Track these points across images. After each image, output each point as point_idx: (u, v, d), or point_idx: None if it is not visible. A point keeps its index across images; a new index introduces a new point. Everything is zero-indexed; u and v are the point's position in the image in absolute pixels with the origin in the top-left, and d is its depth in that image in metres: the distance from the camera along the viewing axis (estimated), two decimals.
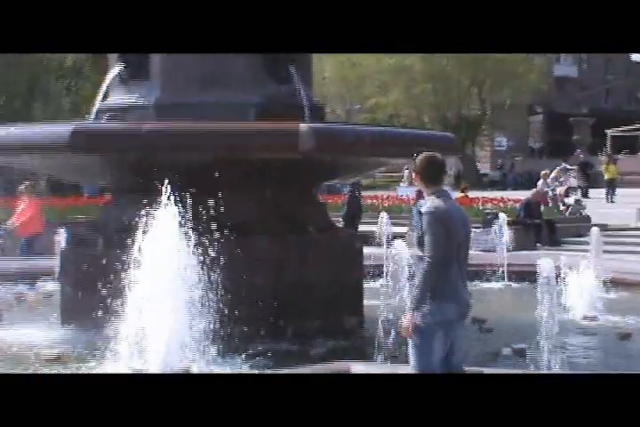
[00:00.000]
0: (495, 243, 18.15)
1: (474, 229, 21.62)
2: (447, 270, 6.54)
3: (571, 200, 29.74)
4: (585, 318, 11.50)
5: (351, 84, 61.42)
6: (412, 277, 6.88)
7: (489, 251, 18.41)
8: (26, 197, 20.14)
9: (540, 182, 30.31)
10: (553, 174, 31.97)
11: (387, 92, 58.26)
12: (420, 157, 6.95)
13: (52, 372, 7.45)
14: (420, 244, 6.61)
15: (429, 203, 6.65)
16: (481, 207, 26.40)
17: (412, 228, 7.79)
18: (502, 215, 18.82)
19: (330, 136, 9.88)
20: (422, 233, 6.57)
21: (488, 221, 21.29)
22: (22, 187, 20.27)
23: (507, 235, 17.66)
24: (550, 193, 29.85)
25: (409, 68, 57.17)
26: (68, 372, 7.67)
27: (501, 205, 26.92)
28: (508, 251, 17.28)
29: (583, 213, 28.90)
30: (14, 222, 20.10)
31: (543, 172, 31.96)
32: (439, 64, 57.39)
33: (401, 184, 40.83)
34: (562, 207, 29.53)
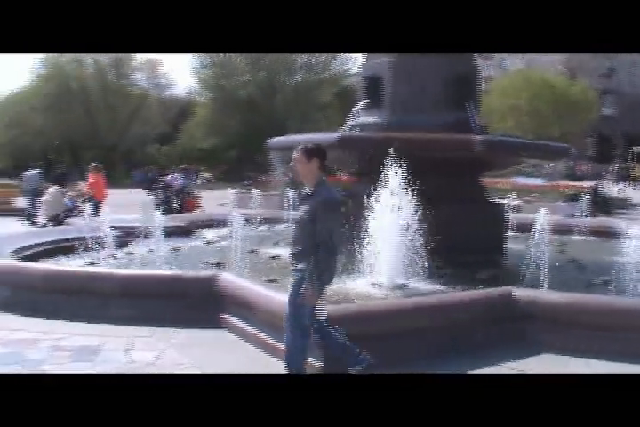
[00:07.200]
0: (574, 212, 17.08)
1: (560, 203, 20.65)
2: None
3: None
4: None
5: (484, 114, 59.56)
6: None
7: (571, 217, 17.14)
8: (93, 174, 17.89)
9: None
10: None
11: (504, 121, 56.19)
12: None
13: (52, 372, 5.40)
14: None
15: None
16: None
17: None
18: (583, 196, 17.50)
19: (492, 143, 9.22)
20: None
21: (571, 198, 20.08)
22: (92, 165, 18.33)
23: (584, 207, 16.48)
24: None
25: (518, 107, 55.29)
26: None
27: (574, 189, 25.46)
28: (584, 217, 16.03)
29: None
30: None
31: None
32: (536, 104, 55.37)
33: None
34: None
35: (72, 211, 15.82)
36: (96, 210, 16.61)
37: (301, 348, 4.93)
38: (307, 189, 4.98)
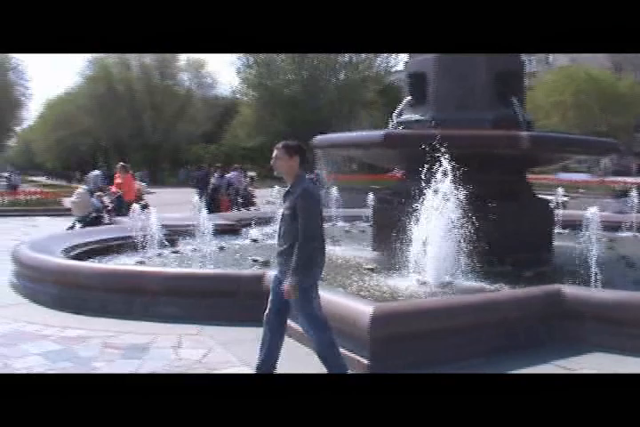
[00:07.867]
0: (625, 208, 16.75)
1: (609, 200, 20.18)
2: None
3: None
4: None
5: (529, 111, 58.69)
6: None
7: (620, 213, 16.79)
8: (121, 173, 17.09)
9: None
10: None
11: (549, 117, 55.28)
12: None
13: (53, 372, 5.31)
14: None
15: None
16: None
17: None
18: (634, 191, 17.10)
19: (540, 140, 9.08)
20: None
21: (620, 194, 19.65)
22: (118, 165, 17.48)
23: (633, 204, 16.15)
24: None
25: (563, 103, 54.29)
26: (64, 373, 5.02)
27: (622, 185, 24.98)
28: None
29: None
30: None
31: None
32: (581, 99, 54.27)
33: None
34: None
35: (101, 211, 15.64)
36: (127, 210, 16.53)
37: (328, 341, 4.92)
38: (288, 186, 5.00)
